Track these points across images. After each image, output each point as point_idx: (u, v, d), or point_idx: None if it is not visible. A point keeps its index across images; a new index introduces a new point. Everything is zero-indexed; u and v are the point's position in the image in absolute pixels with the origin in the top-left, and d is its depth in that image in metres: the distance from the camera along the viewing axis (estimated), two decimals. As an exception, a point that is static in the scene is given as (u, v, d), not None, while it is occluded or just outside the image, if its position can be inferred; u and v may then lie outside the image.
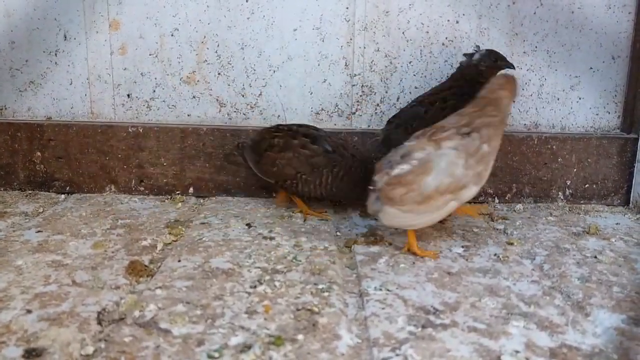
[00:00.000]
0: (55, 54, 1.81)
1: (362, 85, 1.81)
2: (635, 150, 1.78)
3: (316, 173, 1.52)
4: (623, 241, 1.47)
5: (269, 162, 1.58)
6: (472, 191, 1.26)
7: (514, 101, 1.35)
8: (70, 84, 1.83)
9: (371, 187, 1.29)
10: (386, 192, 1.24)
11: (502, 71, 1.57)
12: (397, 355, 0.91)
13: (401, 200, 1.23)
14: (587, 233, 1.51)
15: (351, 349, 0.94)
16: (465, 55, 1.64)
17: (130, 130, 1.79)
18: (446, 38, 1.78)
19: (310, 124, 1.68)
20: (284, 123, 1.77)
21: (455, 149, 1.23)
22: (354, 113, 1.84)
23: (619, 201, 1.81)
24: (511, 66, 1.61)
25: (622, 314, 1.07)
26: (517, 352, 0.93)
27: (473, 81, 1.54)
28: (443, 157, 1.22)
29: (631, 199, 1.80)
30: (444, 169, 1.22)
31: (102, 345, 0.93)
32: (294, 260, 1.28)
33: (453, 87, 1.61)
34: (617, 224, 1.62)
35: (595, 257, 1.35)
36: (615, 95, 1.82)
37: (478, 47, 1.64)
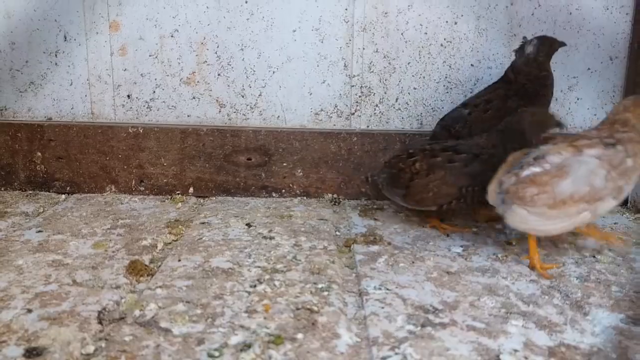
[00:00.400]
0: (56, 55, 1.82)
1: (361, 86, 1.82)
2: (634, 150, 1.78)
3: (482, 179, 1.34)
4: (621, 240, 1.47)
5: (420, 189, 1.43)
6: (609, 204, 1.20)
7: None
8: (71, 84, 1.84)
9: (497, 190, 1.26)
10: (516, 191, 1.22)
11: None
12: (396, 354, 0.92)
13: (532, 201, 1.20)
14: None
15: (350, 347, 0.94)
16: (515, 52, 1.55)
17: (130, 130, 1.80)
18: (445, 39, 1.79)
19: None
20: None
21: (598, 159, 1.18)
22: (353, 114, 1.85)
23: (617, 201, 1.81)
24: (562, 44, 1.56)
25: (621, 313, 1.07)
26: (515, 351, 0.94)
27: (534, 78, 1.49)
28: (583, 164, 1.17)
29: (629, 199, 1.80)
30: (583, 176, 1.17)
31: (103, 344, 0.94)
32: (294, 260, 1.29)
33: (499, 89, 1.58)
34: (615, 223, 1.62)
35: (594, 256, 1.35)
36: (613, 96, 1.83)
37: (525, 37, 1.57)
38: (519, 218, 1.24)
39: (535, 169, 1.21)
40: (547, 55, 1.56)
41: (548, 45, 1.55)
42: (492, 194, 1.29)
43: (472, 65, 1.81)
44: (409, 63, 1.81)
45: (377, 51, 1.80)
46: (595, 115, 1.84)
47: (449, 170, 1.42)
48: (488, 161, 1.38)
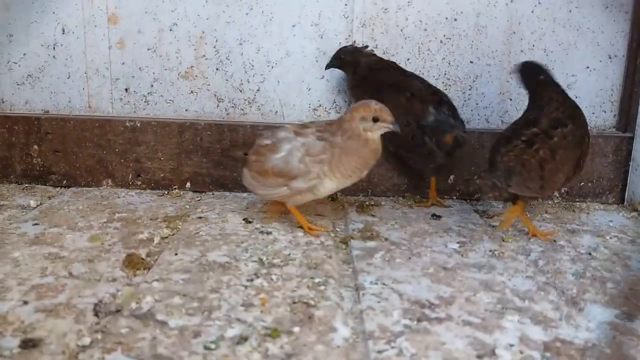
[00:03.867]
0: (54, 48, 1.81)
1: (360, 82, 1.82)
2: (630, 149, 1.79)
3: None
4: (617, 238, 1.48)
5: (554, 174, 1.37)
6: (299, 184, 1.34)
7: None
8: (68, 77, 1.83)
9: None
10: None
11: None
12: (392, 347, 0.92)
13: (251, 164, 1.40)
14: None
15: (347, 341, 0.95)
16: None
17: (127, 124, 1.79)
18: (444, 36, 1.79)
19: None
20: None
21: (306, 141, 1.33)
22: (352, 109, 1.84)
23: (613, 199, 1.82)
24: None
25: (616, 309, 1.08)
26: (511, 345, 0.94)
27: None
28: (290, 142, 1.34)
29: (626, 197, 1.81)
30: (295, 156, 1.33)
31: (99, 336, 0.93)
32: (291, 255, 1.29)
33: None
34: (611, 221, 1.63)
35: (590, 253, 1.36)
36: (612, 95, 1.84)
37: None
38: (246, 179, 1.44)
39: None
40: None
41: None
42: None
43: (471, 62, 1.81)
44: (408, 59, 1.81)
45: (376, 47, 1.79)
46: (593, 113, 1.85)
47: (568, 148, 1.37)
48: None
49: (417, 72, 1.81)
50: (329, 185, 1.35)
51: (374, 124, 1.30)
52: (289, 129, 1.38)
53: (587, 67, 1.81)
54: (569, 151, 1.38)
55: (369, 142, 1.31)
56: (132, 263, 1.20)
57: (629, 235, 1.51)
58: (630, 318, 1.05)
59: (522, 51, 1.80)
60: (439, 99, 1.58)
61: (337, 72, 1.81)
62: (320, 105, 1.84)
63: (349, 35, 1.79)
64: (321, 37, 1.79)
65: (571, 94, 1.82)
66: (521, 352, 0.92)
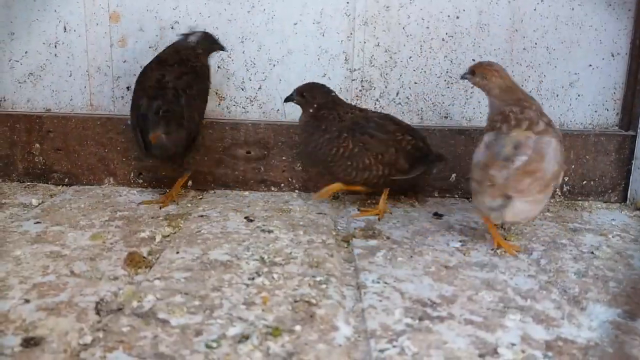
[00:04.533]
0: (55, 46, 1.81)
1: (362, 80, 1.81)
2: (633, 147, 1.78)
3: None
4: (619, 237, 1.47)
5: None
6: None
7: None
8: (70, 75, 1.83)
9: (488, 184, 1.23)
10: (514, 184, 1.20)
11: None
12: (394, 346, 0.92)
13: (529, 191, 1.20)
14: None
15: (348, 340, 0.94)
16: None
17: (129, 122, 1.78)
18: (446, 33, 1.78)
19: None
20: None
21: (554, 139, 1.25)
22: (354, 108, 1.84)
23: (616, 198, 1.82)
24: (223, 49, 1.70)
25: (618, 308, 1.08)
26: (513, 344, 0.94)
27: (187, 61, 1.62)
28: (550, 145, 1.23)
29: (628, 195, 1.80)
30: (553, 156, 1.23)
31: (100, 334, 0.93)
32: (292, 253, 1.29)
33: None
34: (613, 220, 1.62)
35: (592, 252, 1.36)
36: (614, 93, 1.83)
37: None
38: (519, 210, 1.23)
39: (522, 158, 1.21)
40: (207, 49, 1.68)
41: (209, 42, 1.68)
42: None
43: (473, 60, 1.80)
44: (410, 57, 1.80)
45: (378, 45, 1.79)
46: (595, 112, 1.84)
47: None
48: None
49: (419, 70, 1.81)
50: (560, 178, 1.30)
51: None
52: (528, 135, 1.23)
53: (590, 65, 1.80)
54: None
55: None
56: (134, 261, 1.20)
57: (631, 234, 1.50)
58: (633, 317, 1.05)
59: (524, 49, 1.79)
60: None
61: (339, 71, 1.81)
62: (321, 104, 1.84)
63: (351, 33, 1.78)
64: (323, 35, 1.79)
65: (574, 92, 1.83)
66: (523, 351, 0.92)
